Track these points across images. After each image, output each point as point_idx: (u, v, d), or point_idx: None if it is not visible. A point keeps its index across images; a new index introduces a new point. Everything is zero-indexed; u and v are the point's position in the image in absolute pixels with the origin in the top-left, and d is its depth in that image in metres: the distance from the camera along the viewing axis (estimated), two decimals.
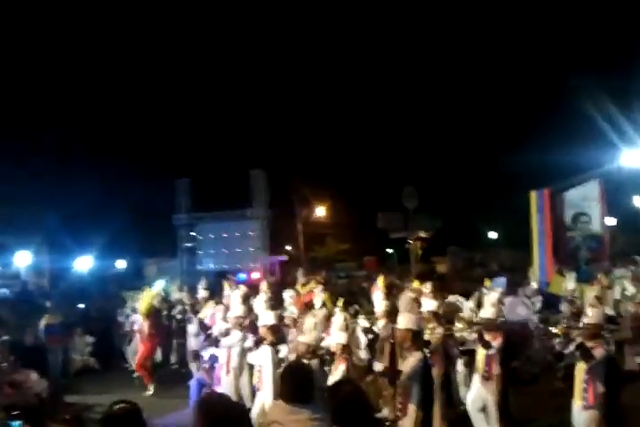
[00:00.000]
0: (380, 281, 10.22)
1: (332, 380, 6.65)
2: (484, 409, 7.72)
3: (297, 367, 4.92)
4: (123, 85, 33.27)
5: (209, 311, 11.02)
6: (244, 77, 38.17)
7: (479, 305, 8.81)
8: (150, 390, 11.43)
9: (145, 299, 12.06)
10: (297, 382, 4.35)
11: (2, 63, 28.68)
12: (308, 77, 39.58)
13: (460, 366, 9.17)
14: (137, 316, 12.51)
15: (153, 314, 12.02)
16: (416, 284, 10.94)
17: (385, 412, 8.41)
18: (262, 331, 8.17)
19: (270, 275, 20.10)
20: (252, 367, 8.26)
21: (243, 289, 10.51)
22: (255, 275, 19.64)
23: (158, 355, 13.49)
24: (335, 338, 7.18)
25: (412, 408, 6.37)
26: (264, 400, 7.54)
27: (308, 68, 39.78)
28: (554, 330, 9.55)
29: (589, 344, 6.74)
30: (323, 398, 5.37)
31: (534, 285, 14.13)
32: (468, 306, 9.60)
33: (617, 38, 29.17)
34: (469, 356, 8.67)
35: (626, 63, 24.56)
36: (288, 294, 11.56)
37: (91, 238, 26.86)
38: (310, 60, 39.25)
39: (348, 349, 7.19)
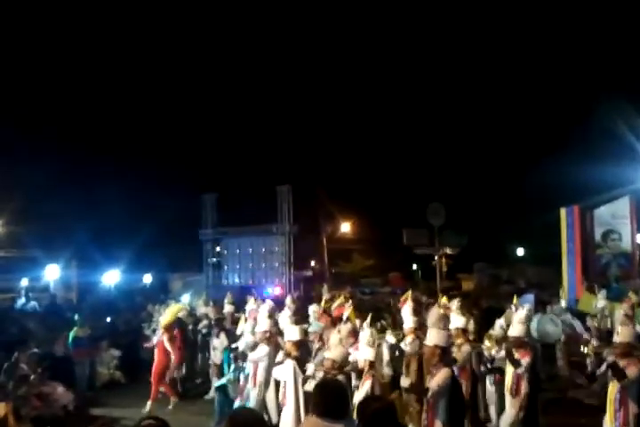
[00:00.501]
0: (409, 296, 10.14)
1: (357, 396, 6.60)
2: None
3: (330, 383, 4.91)
4: (149, 102, 33.83)
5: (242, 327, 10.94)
6: (271, 95, 38.53)
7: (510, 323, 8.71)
8: (171, 405, 11.39)
9: (168, 312, 12.07)
10: (330, 398, 4.33)
11: (28, 84, 29.43)
12: (335, 95, 39.83)
13: (489, 384, 9.05)
14: None
15: (173, 328, 12.01)
16: (444, 300, 10.85)
17: None
18: (287, 346, 8.16)
19: (295, 290, 20.06)
20: (278, 382, 8.23)
21: (269, 303, 10.46)
22: (279, 290, 19.62)
23: (182, 369, 13.51)
24: (363, 354, 7.12)
25: (438, 425, 6.29)
26: (287, 416, 7.52)
27: (335, 85, 40.10)
28: (585, 350, 9.43)
29: (622, 363, 6.60)
30: (350, 413, 5.35)
31: (563, 302, 13.93)
32: (498, 324, 9.49)
33: None
34: (498, 374, 8.56)
35: None
36: (313, 309, 11.51)
37: (118, 253, 27.18)
38: (337, 77, 39.53)
39: (374, 365, 7.13)
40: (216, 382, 10.46)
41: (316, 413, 4.37)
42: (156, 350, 11.86)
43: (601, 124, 23.15)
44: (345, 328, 9.12)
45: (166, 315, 11.99)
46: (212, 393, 11.56)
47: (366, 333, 7.46)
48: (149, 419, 3.69)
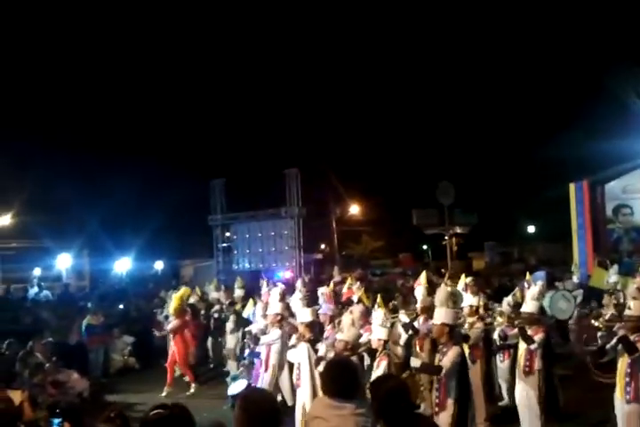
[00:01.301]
0: (423, 277, 10.09)
1: (374, 376, 6.60)
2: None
3: (340, 363, 4.86)
4: (155, 88, 33.72)
5: (250, 310, 11.03)
6: (278, 77, 38.32)
7: (521, 300, 8.67)
8: (192, 390, 11.45)
9: (175, 298, 12.09)
10: (340, 378, 4.29)
11: (33, 75, 29.43)
12: (342, 76, 39.58)
13: (498, 361, 9.04)
14: None
15: (184, 313, 12.04)
16: (462, 279, 10.78)
17: (423, 407, 8.35)
18: (300, 328, 8.16)
19: (305, 273, 20.08)
20: (292, 364, 8.25)
21: (281, 287, 10.49)
22: (290, 273, 19.64)
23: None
24: (376, 334, 7.13)
25: (449, 403, 6.29)
26: (303, 397, 7.54)
27: (342, 66, 39.84)
28: (595, 324, 9.36)
29: (632, 337, 6.57)
30: (363, 393, 5.34)
31: (575, 278, 13.87)
32: (506, 301, 9.46)
33: None
34: (511, 351, 8.54)
35: None
36: (322, 291, 11.52)
37: (129, 241, 27.29)
38: (344, 57, 39.24)
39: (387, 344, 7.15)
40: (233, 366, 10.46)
41: (326, 393, 4.34)
42: (172, 339, 11.91)
43: (609, 96, 22.87)
44: (357, 309, 9.11)
45: (173, 300, 12.02)
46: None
47: (379, 313, 7.46)
48: (160, 408, 3.62)
